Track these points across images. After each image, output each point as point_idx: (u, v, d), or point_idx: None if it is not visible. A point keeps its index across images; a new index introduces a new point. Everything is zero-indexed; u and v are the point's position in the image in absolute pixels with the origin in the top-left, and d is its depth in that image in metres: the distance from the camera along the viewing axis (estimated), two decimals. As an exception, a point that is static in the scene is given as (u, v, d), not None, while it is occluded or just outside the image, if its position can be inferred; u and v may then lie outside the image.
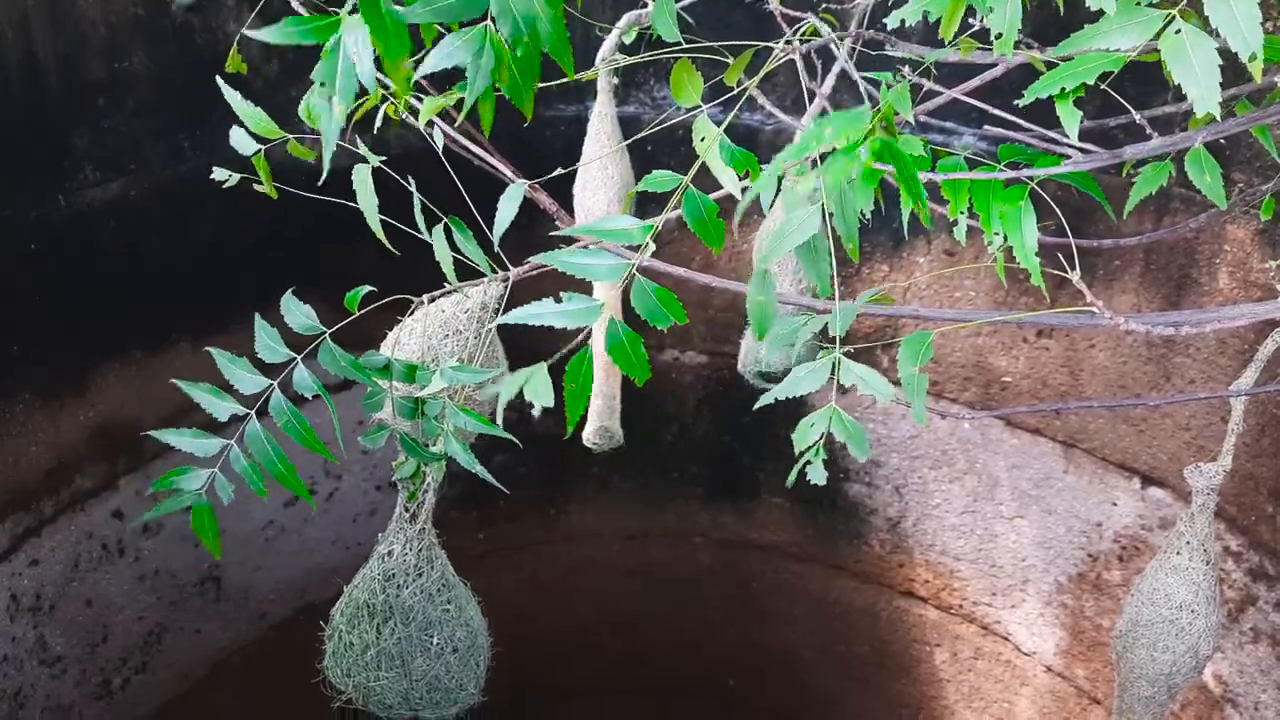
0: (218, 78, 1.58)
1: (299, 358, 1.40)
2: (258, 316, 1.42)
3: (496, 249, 1.39)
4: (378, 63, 0.99)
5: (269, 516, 3.67)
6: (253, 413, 1.38)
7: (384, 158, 1.52)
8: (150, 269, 3.12)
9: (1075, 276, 1.33)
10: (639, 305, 1.26)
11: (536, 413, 1.30)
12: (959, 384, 3.51)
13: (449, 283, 1.54)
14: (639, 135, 1.95)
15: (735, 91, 1.69)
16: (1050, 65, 1.33)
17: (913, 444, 3.72)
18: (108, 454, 3.18)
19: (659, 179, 1.34)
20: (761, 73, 1.61)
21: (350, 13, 1.01)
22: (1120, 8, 1.15)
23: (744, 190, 1.41)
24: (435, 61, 1.00)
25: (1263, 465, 2.89)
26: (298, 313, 1.41)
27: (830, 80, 1.93)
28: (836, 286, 1.32)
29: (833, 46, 1.76)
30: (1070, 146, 1.43)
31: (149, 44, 2.92)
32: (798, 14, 1.97)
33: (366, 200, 1.46)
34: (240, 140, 1.57)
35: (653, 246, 1.26)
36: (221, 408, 1.40)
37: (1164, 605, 2.26)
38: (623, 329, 1.27)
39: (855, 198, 1.13)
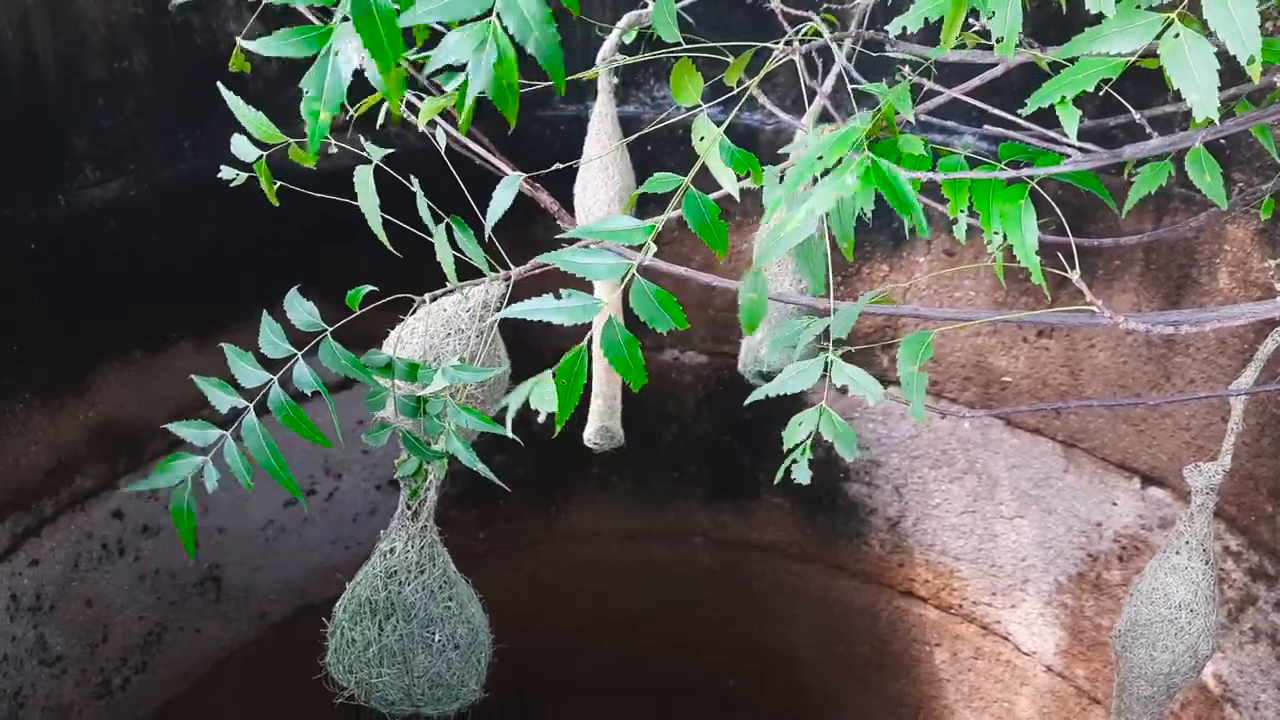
0: (219, 84, 1.58)
1: (299, 354, 1.41)
2: (265, 313, 1.43)
3: (489, 238, 1.39)
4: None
5: (269, 516, 3.67)
6: (250, 406, 1.39)
7: (390, 150, 1.52)
8: (150, 269, 3.12)
9: (1075, 276, 1.33)
10: (638, 308, 1.27)
11: (541, 418, 1.31)
12: (959, 384, 3.52)
13: (450, 282, 1.54)
14: (638, 134, 1.96)
15: (735, 91, 1.69)
16: (1055, 65, 1.33)
17: (913, 444, 3.72)
18: (108, 454, 3.18)
19: (661, 181, 1.34)
20: (761, 73, 1.61)
21: (343, 20, 1.01)
22: (1120, 11, 1.15)
23: (744, 191, 1.42)
24: (440, 59, 0.99)
25: (1262, 465, 2.89)
26: (301, 309, 1.41)
27: (830, 80, 1.93)
28: (833, 287, 1.33)
29: (833, 47, 1.76)
30: (1070, 146, 1.43)
31: (149, 44, 2.92)
32: (798, 13, 1.97)
33: (368, 201, 1.46)
34: (242, 147, 1.58)
35: (653, 248, 1.27)
36: (224, 399, 1.41)
37: (1163, 605, 2.26)
38: (621, 332, 1.27)
39: (854, 200, 1.13)
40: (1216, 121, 1.13)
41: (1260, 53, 1.06)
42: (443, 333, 1.66)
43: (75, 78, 2.80)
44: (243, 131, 1.58)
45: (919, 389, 1.30)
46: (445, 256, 1.47)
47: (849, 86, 1.62)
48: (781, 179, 1.37)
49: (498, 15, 0.97)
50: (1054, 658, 3.70)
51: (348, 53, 1.00)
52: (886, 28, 1.54)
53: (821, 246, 1.34)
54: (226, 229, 3.19)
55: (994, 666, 3.90)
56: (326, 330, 1.42)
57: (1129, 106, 1.76)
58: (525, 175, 1.46)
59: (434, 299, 1.66)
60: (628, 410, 2.47)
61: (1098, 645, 3.54)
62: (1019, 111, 1.39)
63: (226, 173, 1.66)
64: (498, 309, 1.64)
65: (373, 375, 1.44)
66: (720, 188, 1.39)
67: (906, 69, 1.81)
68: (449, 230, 1.48)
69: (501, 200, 1.37)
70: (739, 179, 1.39)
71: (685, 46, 1.56)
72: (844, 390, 1.27)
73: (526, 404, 1.31)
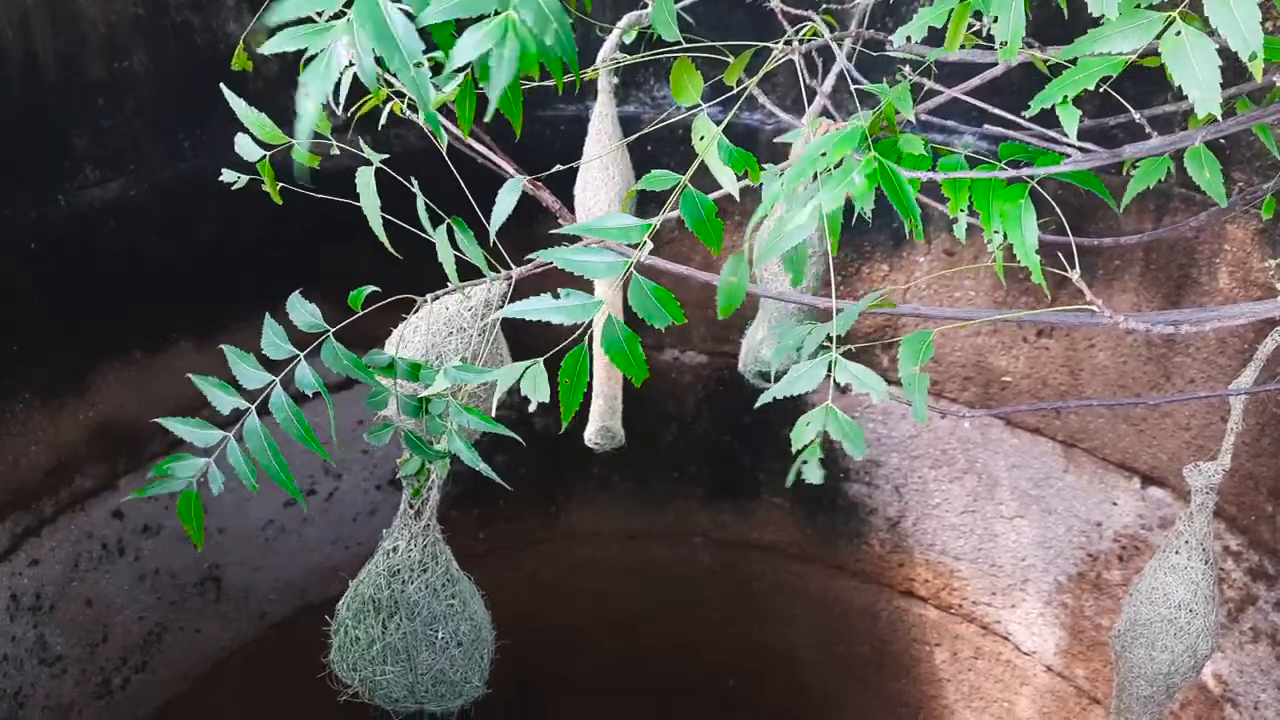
0: (222, 85, 1.59)
1: (301, 355, 1.41)
2: (268, 316, 1.44)
3: (493, 242, 1.39)
4: (379, 63, 0.99)
5: (269, 516, 3.67)
6: (252, 408, 1.39)
7: (384, 155, 1.52)
8: (150, 269, 3.12)
9: (1075, 275, 1.33)
10: (636, 304, 1.27)
11: (533, 408, 1.31)
12: (959, 383, 3.52)
13: (451, 282, 1.55)
14: (638, 134, 1.96)
15: (735, 91, 1.69)
16: (1055, 65, 1.33)
17: (913, 443, 3.72)
18: (108, 454, 3.18)
19: (658, 178, 1.35)
20: (761, 72, 1.61)
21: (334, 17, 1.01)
22: (1121, 10, 1.16)
23: (743, 190, 1.42)
24: (461, 56, 0.99)
25: (1262, 464, 2.89)
26: (303, 311, 1.42)
27: (830, 79, 1.93)
28: (834, 286, 1.33)
29: (833, 47, 1.76)
30: (1070, 146, 1.43)
31: (149, 44, 2.92)
32: (799, 12, 1.97)
33: (369, 202, 1.47)
34: (245, 147, 1.58)
35: (650, 245, 1.27)
36: (225, 401, 1.41)
37: (1162, 604, 2.26)
38: (621, 328, 1.27)
39: (856, 198, 1.14)
40: (1219, 118, 1.13)
41: (1262, 49, 1.06)
42: (445, 331, 1.66)
43: (75, 77, 2.80)
44: (245, 131, 1.58)
45: (920, 390, 1.30)
46: (446, 257, 1.48)
47: (851, 86, 1.62)
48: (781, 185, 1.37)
49: (516, 9, 0.96)
50: (1054, 657, 3.71)
51: (337, 50, 1.00)
52: (890, 38, 1.54)
53: (805, 243, 1.35)
54: (226, 229, 3.19)
55: (994, 666, 3.90)
56: (329, 331, 1.42)
57: (1128, 106, 1.76)
58: (529, 178, 1.47)
59: (435, 299, 1.66)
60: (628, 410, 2.47)
61: (1098, 645, 3.54)
62: (1020, 112, 1.39)
63: (227, 176, 1.66)
64: (500, 307, 1.64)
65: (375, 376, 1.44)
66: (718, 186, 1.39)
67: (907, 69, 1.81)
68: (450, 231, 1.48)
69: (505, 203, 1.37)
70: (738, 178, 1.39)
71: (685, 46, 1.56)
72: (845, 390, 1.27)
73: (526, 402, 1.31)
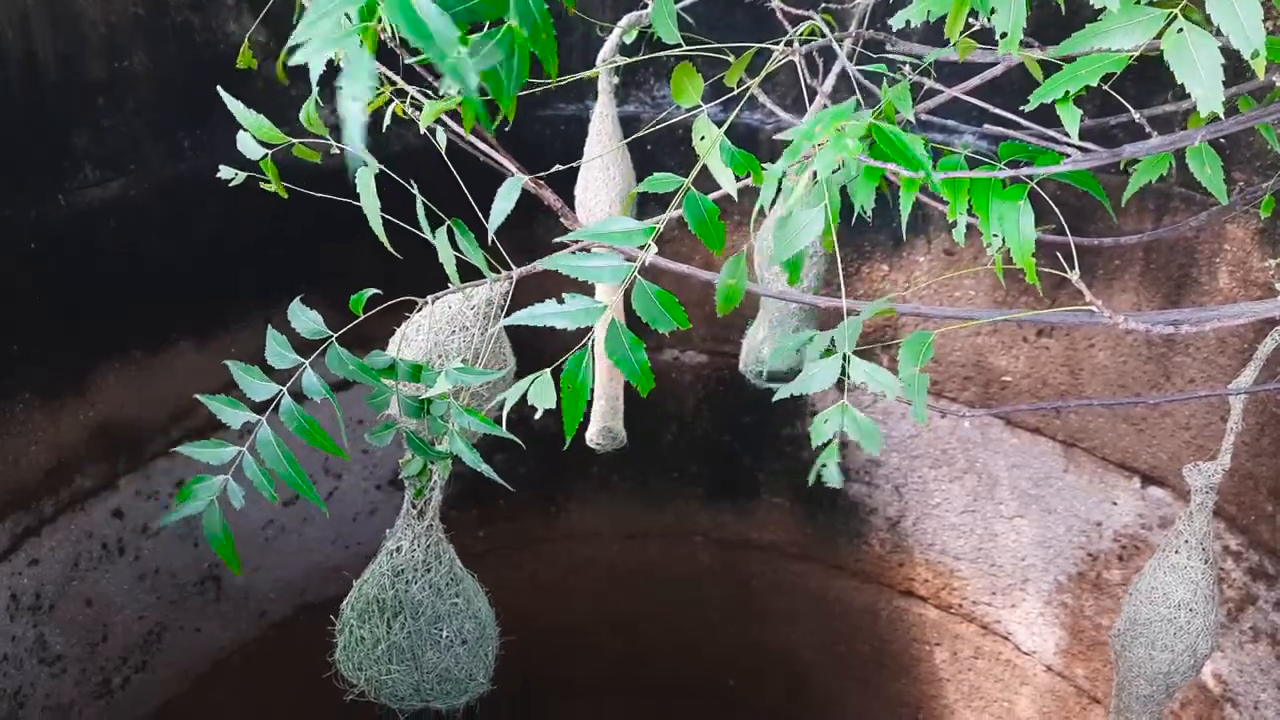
0: (219, 88, 1.59)
1: (307, 362, 1.42)
2: (270, 328, 1.44)
3: (492, 241, 1.40)
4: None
5: (269, 516, 3.67)
6: (264, 419, 1.40)
7: (378, 168, 1.52)
8: (150, 269, 3.12)
9: (1074, 276, 1.33)
10: (640, 308, 1.27)
11: (538, 415, 1.31)
12: (959, 383, 3.52)
13: (451, 283, 1.55)
14: (638, 134, 1.96)
15: (736, 92, 1.69)
16: (1049, 66, 1.33)
17: (912, 443, 3.72)
18: (108, 454, 3.18)
19: (660, 181, 1.35)
20: (762, 73, 1.61)
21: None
22: (1122, 7, 1.15)
23: (744, 191, 1.42)
24: (476, 64, 0.99)
25: (1262, 464, 2.89)
26: (305, 318, 1.43)
27: (831, 79, 1.93)
28: (829, 285, 1.33)
29: (834, 46, 1.76)
30: (1070, 145, 1.43)
31: (149, 43, 2.92)
32: (799, 12, 1.97)
33: (370, 203, 1.47)
34: (247, 145, 1.59)
35: (654, 249, 1.27)
36: (235, 416, 1.42)
37: (1162, 604, 2.26)
38: (624, 334, 1.28)
39: (855, 186, 1.14)
40: (1221, 116, 1.13)
41: (1264, 47, 1.06)
42: (448, 330, 1.67)
43: (75, 77, 2.80)
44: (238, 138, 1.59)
45: (921, 391, 1.30)
46: (447, 258, 1.48)
47: (854, 81, 1.62)
48: (782, 180, 1.37)
49: (518, 19, 0.97)
50: (1054, 657, 3.71)
51: (319, 47, 0.99)
52: (890, 20, 1.54)
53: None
54: (226, 228, 3.19)
55: (994, 666, 3.90)
56: (332, 337, 1.43)
57: (1128, 106, 1.76)
58: (530, 176, 1.47)
59: (436, 300, 1.66)
60: (628, 410, 2.47)
61: (1097, 645, 3.54)
62: (1020, 108, 1.39)
63: (225, 172, 1.66)
64: (502, 307, 1.65)
65: (378, 378, 1.45)
66: (718, 185, 1.39)
67: (906, 68, 1.81)
68: (450, 232, 1.48)
69: (505, 202, 1.37)
70: (738, 179, 1.39)
71: (685, 47, 1.56)
72: (845, 389, 1.27)
73: (525, 401, 1.31)
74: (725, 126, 1.38)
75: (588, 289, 1.85)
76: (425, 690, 1.84)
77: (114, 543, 3.27)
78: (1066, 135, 1.32)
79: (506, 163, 1.56)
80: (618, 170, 2.15)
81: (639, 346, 1.28)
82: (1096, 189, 1.46)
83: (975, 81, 1.70)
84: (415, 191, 1.48)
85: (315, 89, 1.00)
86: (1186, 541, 2.24)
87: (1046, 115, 1.40)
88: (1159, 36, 1.14)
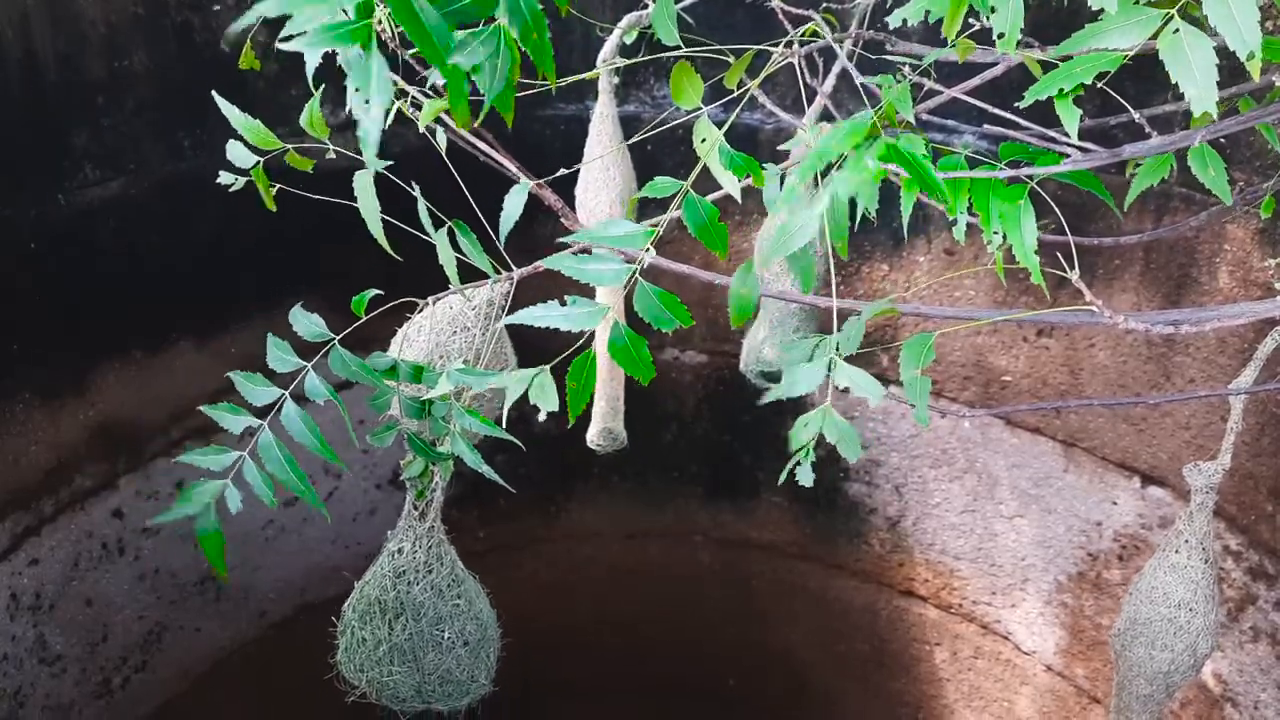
0: (214, 93, 1.59)
1: (309, 366, 1.42)
2: (270, 335, 1.44)
3: (498, 242, 1.40)
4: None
5: (269, 516, 3.67)
6: (265, 424, 1.40)
7: (388, 163, 1.52)
8: (150, 268, 3.12)
9: (1075, 276, 1.33)
10: (641, 308, 1.28)
11: (542, 417, 1.32)
12: (959, 383, 3.52)
13: (452, 285, 1.55)
14: (639, 135, 1.96)
15: (736, 92, 1.69)
16: (1049, 66, 1.33)
17: (912, 443, 3.72)
18: (108, 454, 3.18)
19: (661, 185, 1.35)
20: (762, 74, 1.61)
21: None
22: (1120, 6, 1.16)
23: (745, 191, 1.42)
24: (462, 63, 1.00)
25: (1262, 464, 2.89)
26: (306, 322, 1.43)
27: (831, 79, 1.93)
28: (834, 286, 1.33)
29: (835, 47, 1.76)
30: (1070, 145, 1.43)
31: (149, 43, 2.92)
32: (799, 12, 1.97)
33: (368, 205, 1.46)
34: (237, 154, 1.58)
35: (653, 252, 1.27)
36: (237, 422, 1.42)
37: (1162, 603, 2.26)
38: (626, 331, 1.28)
39: (860, 194, 1.13)
40: (1214, 116, 1.13)
41: (1260, 49, 1.06)
42: (449, 330, 1.67)
43: (75, 77, 2.80)
44: (236, 138, 1.58)
45: (922, 393, 1.30)
46: (448, 260, 1.48)
47: (854, 84, 1.63)
48: (783, 179, 1.37)
49: (508, 18, 0.98)
50: (1054, 657, 3.71)
51: (313, 42, 0.99)
52: (888, 19, 1.54)
53: (812, 245, 1.34)
54: (227, 229, 3.19)
55: (994, 666, 3.90)
56: (334, 339, 1.43)
57: (1128, 106, 1.76)
58: (536, 181, 1.47)
59: (437, 301, 1.66)
60: (627, 409, 2.47)
61: (1097, 644, 3.54)
62: (1016, 105, 1.39)
63: (225, 178, 1.66)
64: (503, 307, 1.65)
65: (381, 380, 1.45)
66: (719, 186, 1.39)
67: (906, 68, 1.81)
68: (451, 233, 1.48)
69: (512, 208, 1.38)
70: (739, 180, 1.39)
71: (685, 47, 1.56)
72: (846, 390, 1.27)
73: (526, 400, 1.31)
74: (725, 127, 1.38)
75: (589, 289, 1.85)
76: (427, 692, 1.84)
77: (114, 543, 3.27)
78: (1066, 135, 1.32)
79: (507, 163, 1.56)
80: (618, 171, 2.15)
81: (641, 342, 1.29)
82: (1099, 188, 1.46)
83: (975, 81, 1.70)
84: (417, 193, 1.48)
85: (318, 87, 1.00)
86: (1187, 541, 2.24)
87: (1046, 115, 1.40)
88: (1155, 36, 1.14)
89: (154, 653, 3.48)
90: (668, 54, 1.63)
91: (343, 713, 2.07)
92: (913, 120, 1.43)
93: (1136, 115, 1.76)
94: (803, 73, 1.86)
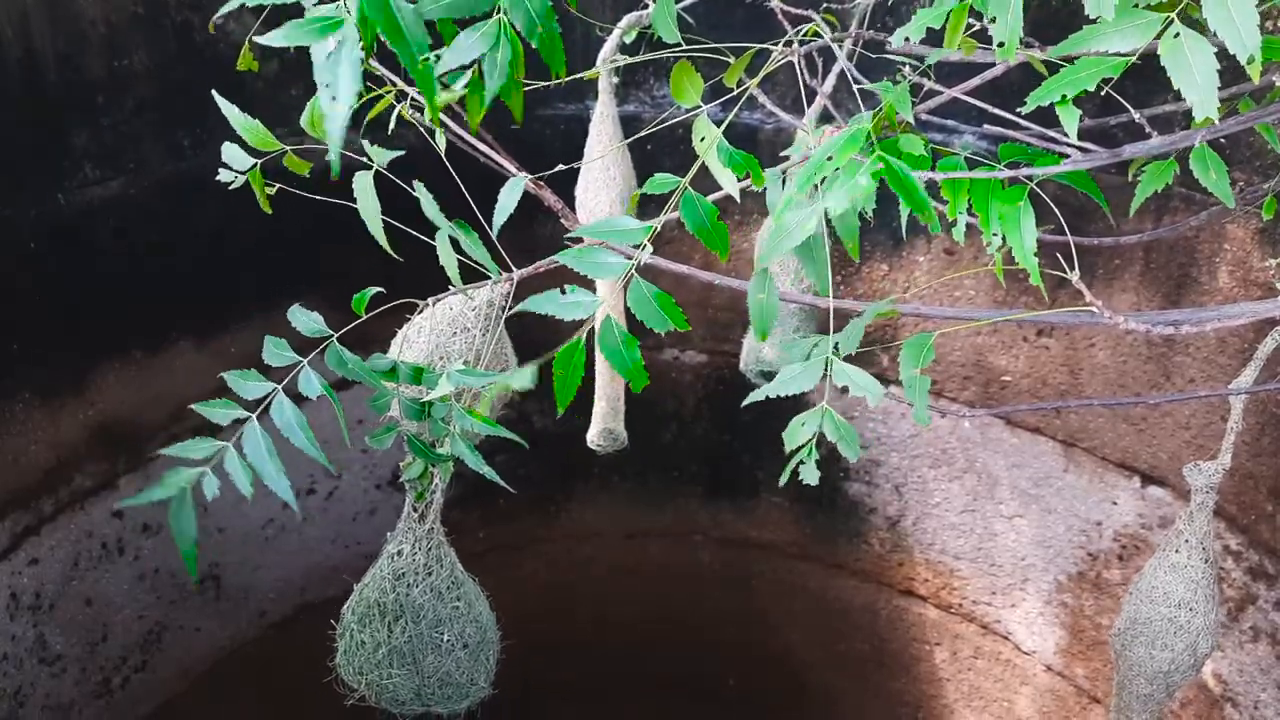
0: (213, 92, 1.58)
1: (305, 361, 1.41)
2: (268, 336, 1.43)
3: (495, 241, 1.39)
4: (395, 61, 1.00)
5: (269, 515, 3.67)
6: (254, 416, 1.39)
7: (399, 152, 1.52)
8: (150, 268, 3.12)
9: (1075, 276, 1.33)
10: (637, 308, 1.27)
11: (532, 401, 1.31)
12: (959, 383, 3.52)
13: (452, 285, 1.54)
14: (639, 135, 1.96)
15: (735, 92, 1.69)
16: (1050, 67, 1.33)
17: (912, 443, 3.72)
18: (107, 453, 3.18)
19: (660, 182, 1.35)
20: (761, 74, 1.61)
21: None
22: (1119, 10, 1.16)
23: (744, 191, 1.42)
24: (454, 58, 1.00)
25: (1262, 464, 2.89)
26: (305, 319, 1.42)
27: (831, 79, 1.93)
28: (833, 286, 1.33)
29: (834, 47, 1.76)
30: (1070, 146, 1.43)
31: (149, 42, 2.92)
32: (799, 12, 1.97)
33: (368, 206, 1.46)
34: (234, 156, 1.58)
35: (650, 248, 1.27)
36: (224, 414, 1.41)
37: (1163, 603, 2.26)
38: (619, 332, 1.28)
39: (860, 199, 1.14)
40: (1216, 121, 1.13)
41: (1260, 52, 1.06)
42: (449, 332, 1.66)
43: (75, 76, 2.80)
44: (236, 138, 1.58)
45: (922, 392, 1.30)
46: (449, 260, 1.48)
47: (853, 85, 1.63)
48: (784, 180, 1.37)
49: (505, 12, 0.97)
50: (1054, 657, 3.71)
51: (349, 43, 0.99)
52: (889, 39, 1.54)
53: (824, 246, 1.34)
54: (227, 228, 3.19)
55: (994, 665, 3.90)
56: (332, 336, 1.42)
57: (1128, 106, 1.76)
58: (531, 177, 1.47)
59: (438, 302, 1.66)
60: (628, 409, 2.47)
61: (1097, 644, 3.54)
62: (1018, 110, 1.39)
63: (224, 175, 1.66)
64: (503, 308, 1.65)
65: (379, 380, 1.44)
66: (719, 186, 1.39)
67: (907, 69, 1.81)
68: (452, 234, 1.48)
69: (507, 201, 1.38)
70: (739, 180, 1.39)
71: (685, 46, 1.56)
72: (844, 389, 1.27)
73: (526, 400, 1.31)
74: (724, 126, 1.38)
75: (590, 286, 1.85)
76: (426, 695, 1.84)
77: (114, 542, 3.27)
78: (1066, 135, 1.32)
79: (506, 164, 1.56)
80: (618, 170, 2.15)
81: (633, 344, 1.28)
82: (1094, 191, 1.46)
83: (975, 82, 1.70)
84: (423, 191, 1.47)
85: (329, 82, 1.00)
86: (1187, 541, 2.24)
87: (1046, 115, 1.40)
88: (1156, 39, 1.14)
89: (154, 652, 3.48)
90: (667, 53, 1.63)
91: (343, 712, 2.07)
92: (912, 121, 1.43)
93: (1137, 115, 1.76)
94: (802, 73, 1.85)
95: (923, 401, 1.31)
